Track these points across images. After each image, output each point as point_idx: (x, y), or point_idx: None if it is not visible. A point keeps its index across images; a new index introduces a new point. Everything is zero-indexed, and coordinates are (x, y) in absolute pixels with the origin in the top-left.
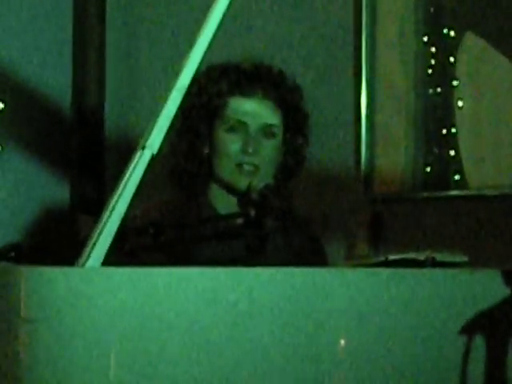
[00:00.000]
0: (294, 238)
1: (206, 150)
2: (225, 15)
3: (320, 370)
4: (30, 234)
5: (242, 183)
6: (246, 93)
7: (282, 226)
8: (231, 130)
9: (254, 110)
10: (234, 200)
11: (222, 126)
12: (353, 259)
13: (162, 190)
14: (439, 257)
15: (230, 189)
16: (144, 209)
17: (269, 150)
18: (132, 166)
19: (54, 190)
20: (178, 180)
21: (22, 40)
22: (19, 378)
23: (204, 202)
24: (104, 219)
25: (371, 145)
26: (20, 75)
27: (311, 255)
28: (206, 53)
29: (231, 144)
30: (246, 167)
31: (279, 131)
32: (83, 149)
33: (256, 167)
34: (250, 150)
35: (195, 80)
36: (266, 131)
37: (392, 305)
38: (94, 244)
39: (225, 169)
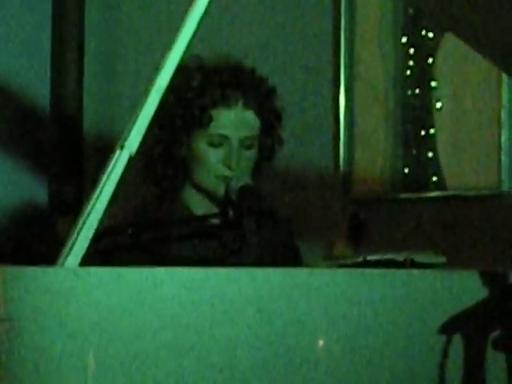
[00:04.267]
0: (271, 238)
1: (184, 155)
2: (204, 16)
3: (299, 370)
4: (9, 234)
5: (222, 191)
6: (228, 104)
7: (260, 226)
8: (213, 143)
9: (235, 122)
10: (209, 201)
11: (203, 137)
12: (332, 260)
13: (137, 190)
14: (417, 257)
15: (209, 195)
16: (120, 209)
17: (247, 161)
18: (110, 166)
19: (33, 191)
20: (153, 181)
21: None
22: None
23: (179, 202)
24: (82, 219)
25: (350, 146)
26: None
27: (285, 254)
28: (184, 53)
29: (213, 157)
30: (227, 179)
31: (256, 140)
32: (61, 149)
33: (238, 177)
34: (233, 165)
35: (175, 88)
36: (246, 143)
37: (370, 305)
38: (73, 244)
39: (205, 178)
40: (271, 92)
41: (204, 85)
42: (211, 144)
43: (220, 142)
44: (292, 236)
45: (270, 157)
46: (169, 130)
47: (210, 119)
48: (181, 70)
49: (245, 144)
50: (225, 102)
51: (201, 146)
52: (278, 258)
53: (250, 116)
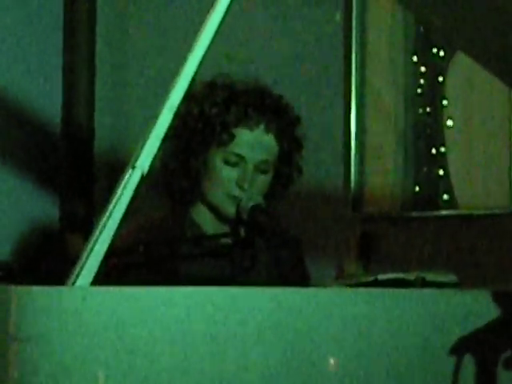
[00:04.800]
0: (281, 257)
1: (198, 170)
2: (216, 33)
3: None
4: (20, 252)
5: (231, 210)
6: (249, 125)
7: (271, 245)
8: (229, 161)
9: (254, 144)
10: (218, 219)
11: (220, 154)
12: (342, 279)
13: (147, 208)
14: (429, 277)
15: (218, 213)
16: (129, 228)
17: (261, 184)
18: (122, 185)
19: (44, 209)
20: (166, 192)
21: (12, 56)
22: None
23: (189, 219)
24: (94, 238)
25: (361, 164)
26: (9, 92)
27: (294, 274)
28: (197, 71)
29: (227, 176)
30: (238, 199)
31: (272, 166)
32: (73, 167)
33: (248, 199)
34: (246, 187)
35: (199, 102)
36: (262, 167)
37: (381, 325)
38: (84, 263)
39: (216, 195)
40: (295, 121)
41: (229, 103)
42: (227, 162)
43: (236, 161)
44: (301, 255)
45: (286, 184)
46: (187, 143)
47: (232, 137)
48: (207, 85)
49: (260, 168)
50: (247, 122)
51: (216, 162)
52: (288, 277)
53: (270, 141)
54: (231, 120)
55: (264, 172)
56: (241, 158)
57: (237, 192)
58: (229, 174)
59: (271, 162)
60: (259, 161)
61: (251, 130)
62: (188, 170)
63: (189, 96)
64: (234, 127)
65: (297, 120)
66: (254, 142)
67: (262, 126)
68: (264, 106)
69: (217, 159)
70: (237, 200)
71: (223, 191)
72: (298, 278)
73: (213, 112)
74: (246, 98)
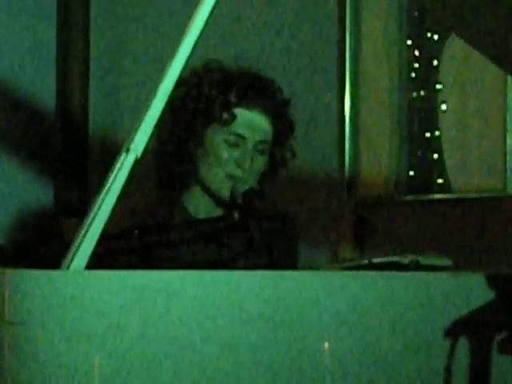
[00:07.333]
0: (275, 241)
1: (196, 153)
2: (209, 19)
3: (305, 373)
4: (15, 236)
5: (228, 192)
6: (249, 106)
7: (265, 229)
8: (229, 142)
9: (254, 124)
10: (211, 204)
11: (220, 135)
12: (337, 262)
13: (136, 193)
14: (423, 260)
15: (214, 195)
16: (119, 212)
17: (258, 166)
18: (116, 168)
19: (39, 193)
20: (162, 178)
21: (5, 46)
22: (3, 380)
23: (178, 205)
24: (88, 222)
25: (355, 148)
26: (4, 80)
27: (285, 256)
28: (190, 56)
29: (228, 156)
30: (236, 179)
31: (268, 147)
32: (67, 152)
33: (245, 180)
34: (247, 167)
35: (197, 84)
36: (259, 148)
37: (376, 308)
38: (78, 247)
39: (214, 176)
40: (287, 102)
41: (228, 83)
42: (227, 143)
43: (236, 141)
44: (295, 239)
45: (279, 167)
46: (186, 125)
47: (233, 117)
48: (202, 68)
49: (258, 148)
50: (247, 103)
51: (216, 143)
52: (279, 260)
53: (266, 122)
54: (232, 100)
55: (261, 153)
56: (241, 138)
57: (237, 172)
58: (229, 154)
59: (267, 143)
60: (258, 141)
61: (251, 110)
62: (185, 153)
63: (184, 79)
64: (234, 107)
65: (288, 102)
66: (253, 122)
67: (259, 108)
68: (260, 87)
69: (216, 140)
70: (235, 179)
71: (222, 171)
72: (287, 261)
73: (213, 92)
74: (243, 80)
